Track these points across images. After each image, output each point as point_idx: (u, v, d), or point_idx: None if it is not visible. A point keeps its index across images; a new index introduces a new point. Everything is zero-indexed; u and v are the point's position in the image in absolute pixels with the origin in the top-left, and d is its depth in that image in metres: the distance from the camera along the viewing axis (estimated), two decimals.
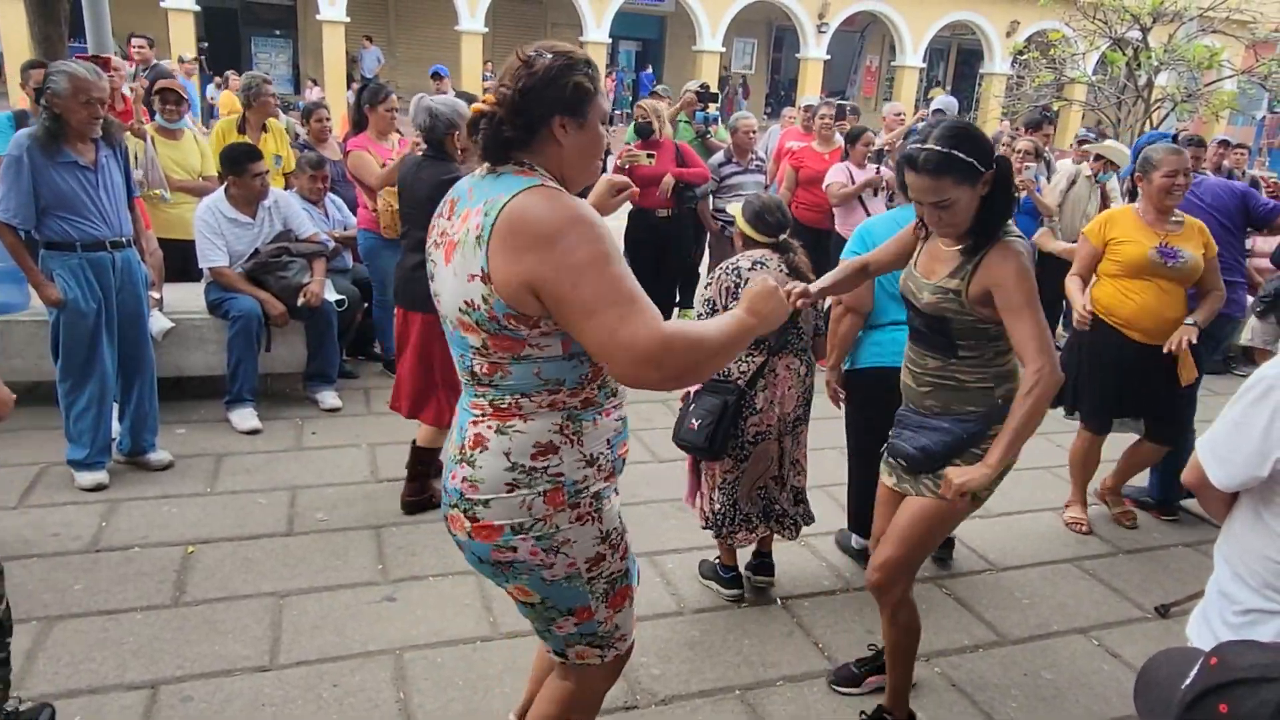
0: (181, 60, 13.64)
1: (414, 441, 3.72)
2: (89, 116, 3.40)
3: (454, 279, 1.63)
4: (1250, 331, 6.28)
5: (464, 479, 1.69)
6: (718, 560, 3.32)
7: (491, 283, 1.55)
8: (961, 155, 2.09)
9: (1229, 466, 1.60)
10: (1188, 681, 0.93)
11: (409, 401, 3.68)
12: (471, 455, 1.68)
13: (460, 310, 1.63)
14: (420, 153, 3.64)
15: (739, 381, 3.06)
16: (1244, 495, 1.63)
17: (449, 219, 1.69)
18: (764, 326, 1.71)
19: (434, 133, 3.52)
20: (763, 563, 3.32)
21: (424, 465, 3.73)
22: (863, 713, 2.62)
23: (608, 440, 1.73)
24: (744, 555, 3.35)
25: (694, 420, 3.03)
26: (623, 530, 1.82)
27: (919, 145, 2.15)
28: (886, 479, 2.53)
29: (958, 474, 2.20)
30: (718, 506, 3.14)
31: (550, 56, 1.61)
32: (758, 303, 1.70)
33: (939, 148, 2.10)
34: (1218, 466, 1.63)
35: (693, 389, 3.11)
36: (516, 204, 1.54)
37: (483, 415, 1.68)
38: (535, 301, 1.54)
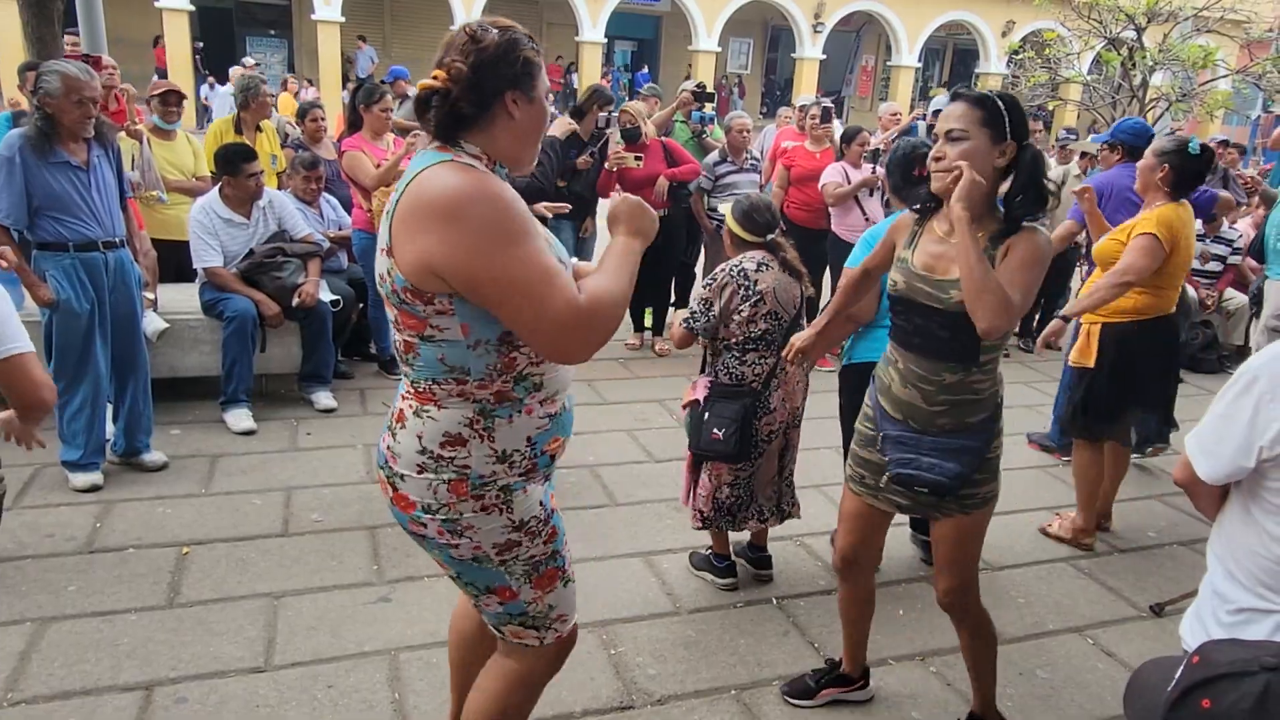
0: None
1: None
2: (81, 116, 3.39)
3: (379, 251, 1.67)
4: (1256, 339, 6.28)
5: (388, 447, 1.73)
6: (709, 550, 3.34)
7: (393, 256, 1.57)
8: (1001, 106, 2.08)
9: (1216, 459, 1.61)
10: (1173, 684, 0.94)
11: None
12: (395, 428, 1.72)
13: (378, 282, 1.67)
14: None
15: (754, 385, 3.09)
16: (1234, 492, 1.63)
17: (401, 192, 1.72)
18: (646, 242, 1.75)
19: None
20: (760, 557, 3.36)
21: None
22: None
23: (527, 438, 1.69)
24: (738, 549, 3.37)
25: (717, 430, 3.04)
26: (546, 516, 1.78)
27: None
28: (869, 498, 2.42)
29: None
30: (728, 499, 3.16)
31: (496, 32, 1.61)
32: (634, 222, 1.74)
33: (987, 91, 2.11)
34: (1205, 459, 1.63)
35: (701, 395, 3.12)
36: (420, 179, 1.54)
37: (407, 393, 1.72)
38: (438, 281, 1.53)
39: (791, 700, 2.69)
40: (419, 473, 1.68)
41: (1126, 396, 3.74)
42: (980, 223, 2.14)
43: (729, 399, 3.07)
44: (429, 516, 1.69)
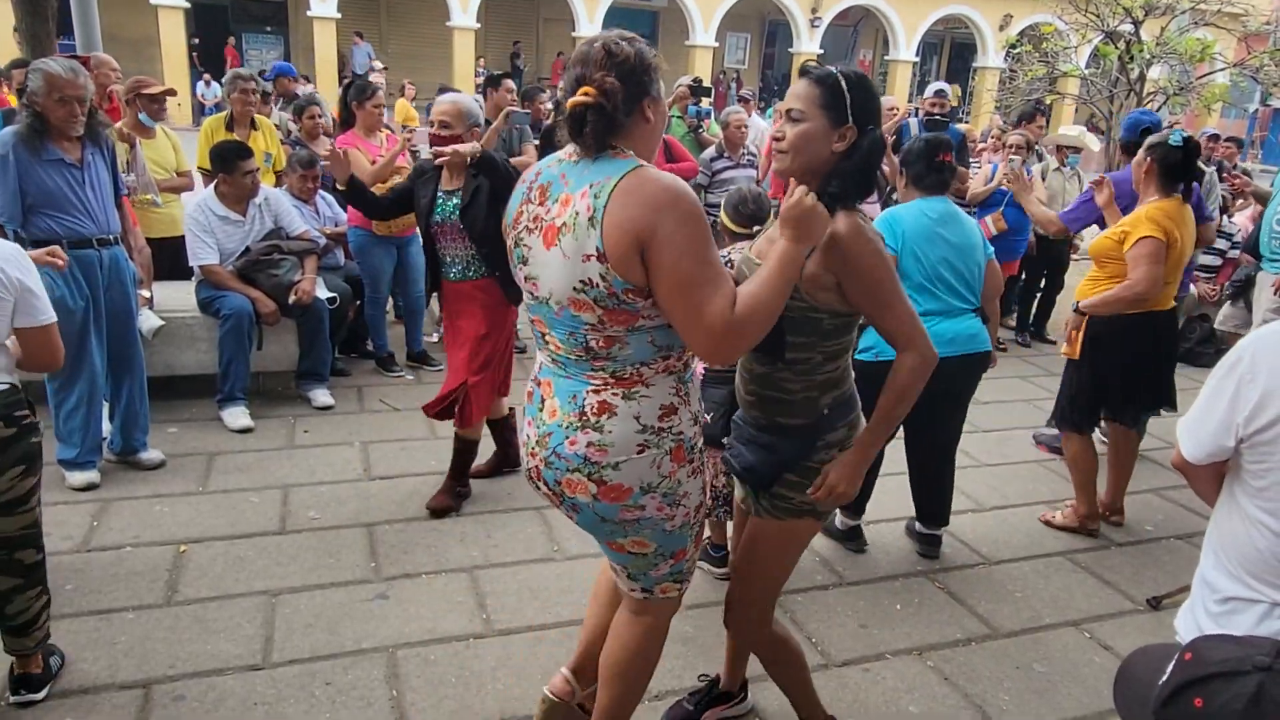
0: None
1: (457, 435, 3.74)
2: (67, 114, 3.37)
3: (563, 261, 1.73)
4: (1222, 316, 6.31)
5: (589, 444, 1.80)
6: (708, 539, 3.36)
7: (608, 261, 1.67)
8: (843, 86, 1.92)
9: (1198, 437, 1.62)
10: (1164, 678, 0.94)
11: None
12: (599, 422, 1.80)
13: (575, 290, 1.74)
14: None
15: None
16: (1227, 478, 1.64)
17: (542, 204, 1.81)
18: (812, 243, 1.81)
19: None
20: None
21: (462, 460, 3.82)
22: None
23: (699, 398, 1.95)
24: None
25: (704, 415, 3.02)
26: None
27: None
28: (738, 492, 2.35)
29: (834, 476, 2.03)
30: (724, 486, 3.19)
31: (626, 44, 1.75)
32: (801, 226, 1.76)
33: (833, 68, 1.96)
34: (1188, 439, 1.65)
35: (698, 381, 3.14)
36: (630, 180, 1.68)
37: (604, 385, 1.81)
38: (640, 266, 1.67)
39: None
40: (641, 452, 1.80)
41: (1116, 390, 3.76)
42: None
43: (718, 384, 3.09)
44: (649, 496, 1.83)
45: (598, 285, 1.71)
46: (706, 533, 3.37)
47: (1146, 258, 3.46)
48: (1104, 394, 3.78)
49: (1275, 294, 4.69)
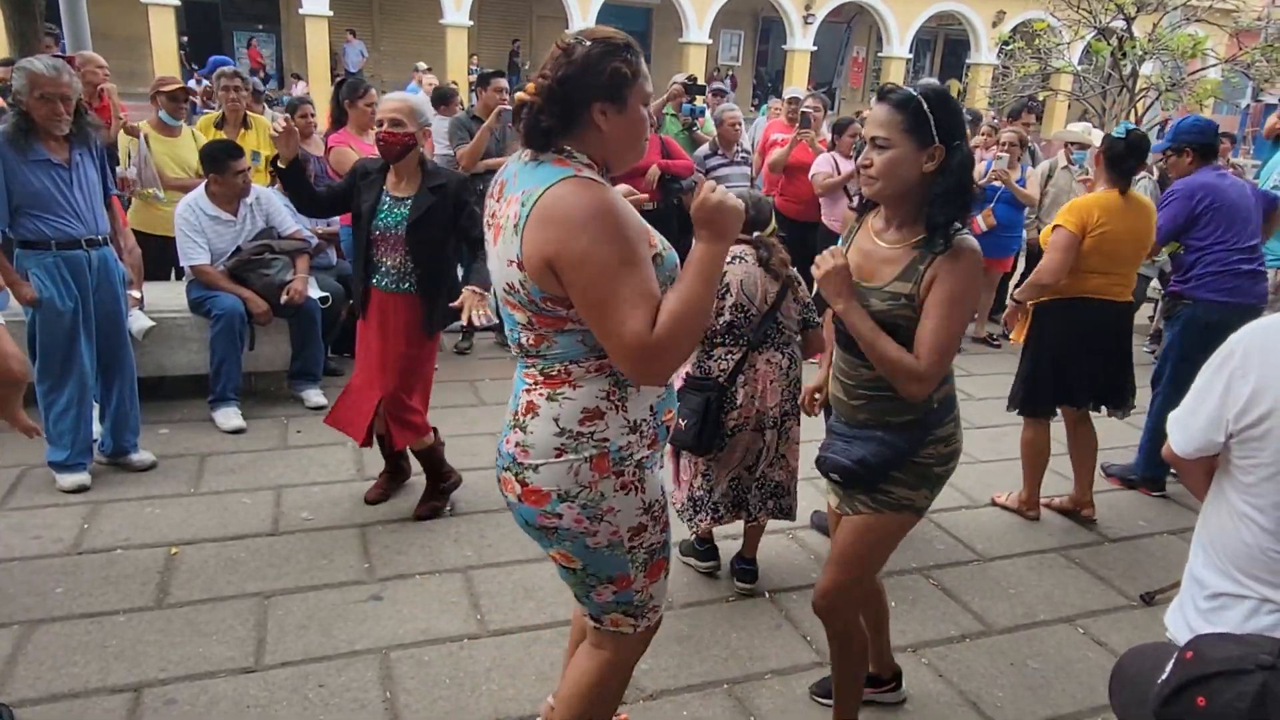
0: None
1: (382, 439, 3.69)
2: (50, 113, 3.34)
3: (498, 261, 1.71)
4: None
5: (516, 444, 1.76)
6: (693, 535, 3.36)
7: (525, 269, 1.63)
8: (926, 108, 1.96)
9: (1188, 432, 1.62)
10: (1163, 676, 0.93)
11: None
12: (524, 421, 1.75)
13: (505, 291, 1.72)
14: None
15: (719, 379, 3.06)
16: (1217, 473, 1.63)
17: (498, 200, 1.76)
18: (728, 240, 1.71)
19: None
20: (744, 569, 3.29)
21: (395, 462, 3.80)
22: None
23: (650, 406, 1.79)
24: (730, 549, 3.36)
25: (680, 420, 3.02)
26: (665, 502, 1.87)
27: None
28: (831, 500, 2.39)
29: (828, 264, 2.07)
30: (697, 493, 3.16)
31: (590, 44, 1.65)
32: (710, 225, 1.68)
33: (913, 90, 2.00)
34: (1178, 432, 1.64)
35: (676, 385, 3.10)
36: (550, 194, 1.60)
37: (535, 384, 1.75)
38: (556, 281, 1.61)
39: (820, 700, 2.67)
40: (558, 456, 1.72)
41: (1061, 376, 3.80)
42: (912, 226, 2.07)
43: (695, 391, 3.07)
44: (566, 505, 1.74)
45: (519, 290, 1.68)
46: (690, 533, 3.37)
47: (1054, 246, 3.65)
48: (1050, 379, 3.83)
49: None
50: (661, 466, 1.89)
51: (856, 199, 2.29)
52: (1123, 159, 3.61)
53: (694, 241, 1.70)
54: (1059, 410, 3.95)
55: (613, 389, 1.73)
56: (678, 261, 1.79)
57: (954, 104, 2.04)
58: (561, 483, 1.73)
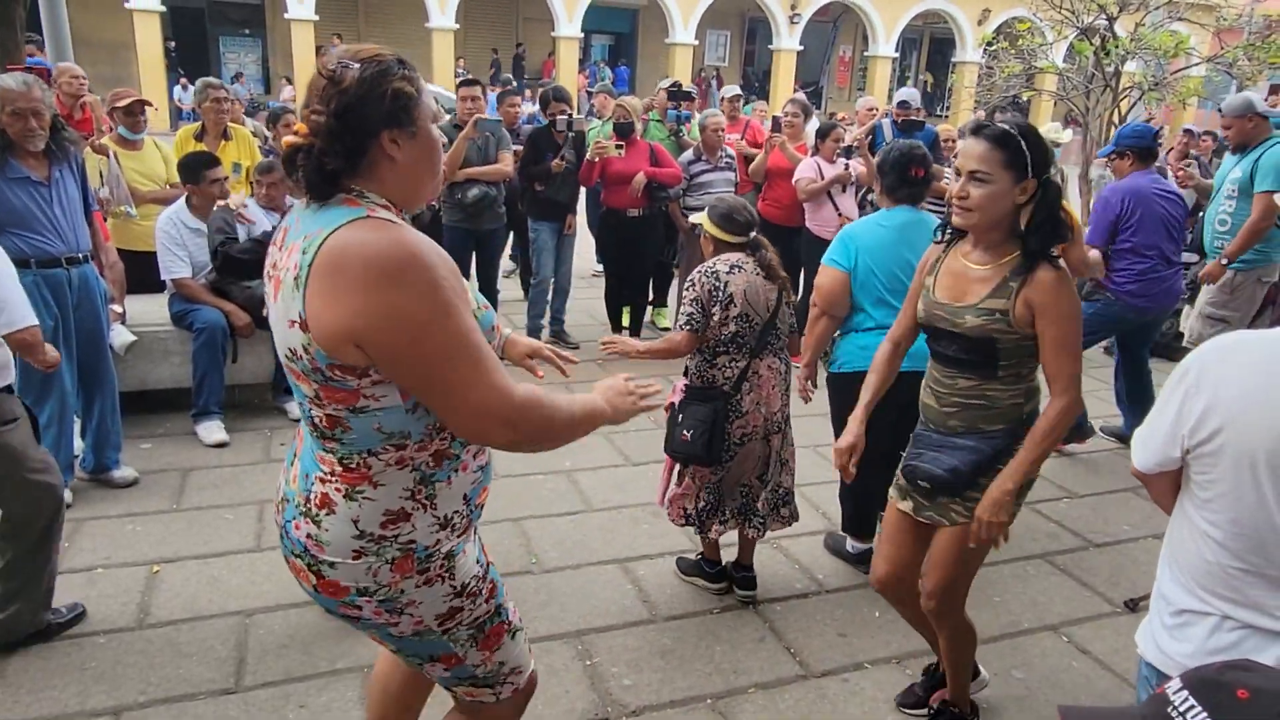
0: None
1: None
2: (23, 129, 3.32)
3: (279, 322, 1.46)
4: (1188, 323, 6.33)
5: (309, 535, 1.55)
6: (700, 556, 3.35)
7: (309, 331, 1.39)
8: (1023, 145, 2.12)
9: (1148, 447, 1.63)
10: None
11: None
12: (318, 515, 1.54)
13: (287, 357, 1.48)
14: None
15: (724, 388, 3.07)
16: (1181, 490, 1.64)
17: (280, 249, 1.50)
18: (615, 419, 1.71)
19: None
20: (745, 576, 3.30)
21: None
22: (931, 706, 2.68)
23: (464, 496, 1.61)
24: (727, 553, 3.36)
25: (686, 431, 3.02)
26: (484, 572, 1.70)
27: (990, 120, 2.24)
28: (901, 503, 2.47)
29: (985, 513, 2.21)
30: (702, 504, 3.15)
31: (358, 66, 1.42)
32: (613, 397, 1.71)
33: (1008, 128, 2.15)
34: (1139, 448, 1.66)
35: (677, 399, 3.10)
36: (337, 240, 1.36)
37: (330, 474, 1.53)
38: (358, 353, 1.39)
39: (906, 710, 2.72)
40: (356, 558, 1.53)
41: None
42: (1001, 249, 2.22)
43: (700, 401, 3.06)
44: (364, 599, 1.56)
45: (302, 357, 1.43)
46: (688, 548, 3.37)
47: None
48: None
49: (1204, 284, 4.85)
50: (476, 536, 1.75)
51: (940, 231, 2.40)
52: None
53: (595, 398, 1.69)
54: None
55: (419, 487, 1.53)
56: (495, 323, 1.70)
57: (1042, 139, 2.19)
58: (360, 580, 1.54)
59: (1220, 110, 5.06)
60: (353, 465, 1.51)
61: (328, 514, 1.53)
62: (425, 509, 1.55)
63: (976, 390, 2.27)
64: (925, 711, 2.70)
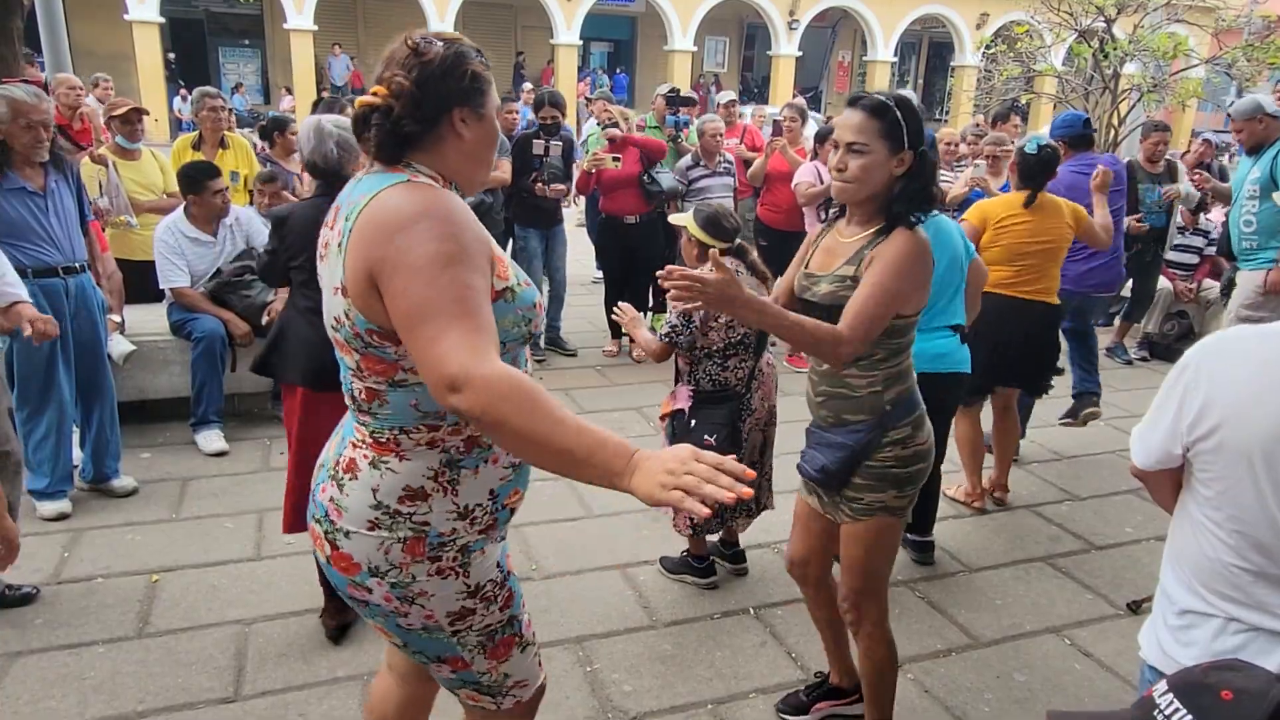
0: None
1: None
2: (33, 140, 3.33)
3: (327, 292, 1.53)
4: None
5: (331, 499, 1.58)
6: (686, 553, 3.37)
7: (349, 295, 1.44)
8: (899, 116, 2.08)
9: (1147, 445, 1.62)
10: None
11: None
12: (342, 478, 1.57)
13: (332, 327, 1.52)
14: (316, 193, 3.02)
15: (738, 388, 3.15)
16: (1183, 487, 1.63)
17: (331, 227, 1.56)
18: (640, 489, 1.24)
19: (342, 165, 2.89)
20: (735, 552, 3.42)
21: None
22: (811, 713, 2.64)
23: (490, 491, 1.59)
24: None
25: (708, 435, 3.06)
26: (503, 579, 1.68)
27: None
28: (807, 497, 2.46)
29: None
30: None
31: (442, 45, 1.49)
32: (657, 466, 1.24)
33: (884, 98, 2.11)
34: (1139, 446, 1.65)
35: (685, 405, 3.11)
36: (376, 202, 1.42)
37: (362, 441, 1.57)
38: (379, 301, 1.39)
39: (786, 716, 2.67)
40: (370, 529, 1.54)
41: (987, 367, 3.80)
42: (871, 220, 2.18)
43: (715, 404, 3.12)
44: (375, 580, 1.55)
45: (345, 324, 1.47)
46: (674, 548, 3.37)
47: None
48: (983, 371, 3.81)
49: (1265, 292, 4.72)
50: (503, 538, 1.72)
51: (824, 209, 2.36)
52: (1033, 170, 3.88)
53: (628, 475, 1.25)
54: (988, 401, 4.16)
55: (442, 469, 1.52)
56: (535, 301, 1.60)
57: (918, 110, 2.15)
58: (372, 557, 1.54)
59: (1229, 114, 5.05)
60: (384, 439, 1.54)
61: (351, 478, 1.56)
62: (445, 493, 1.54)
63: (835, 376, 2.23)
64: (807, 718, 2.65)
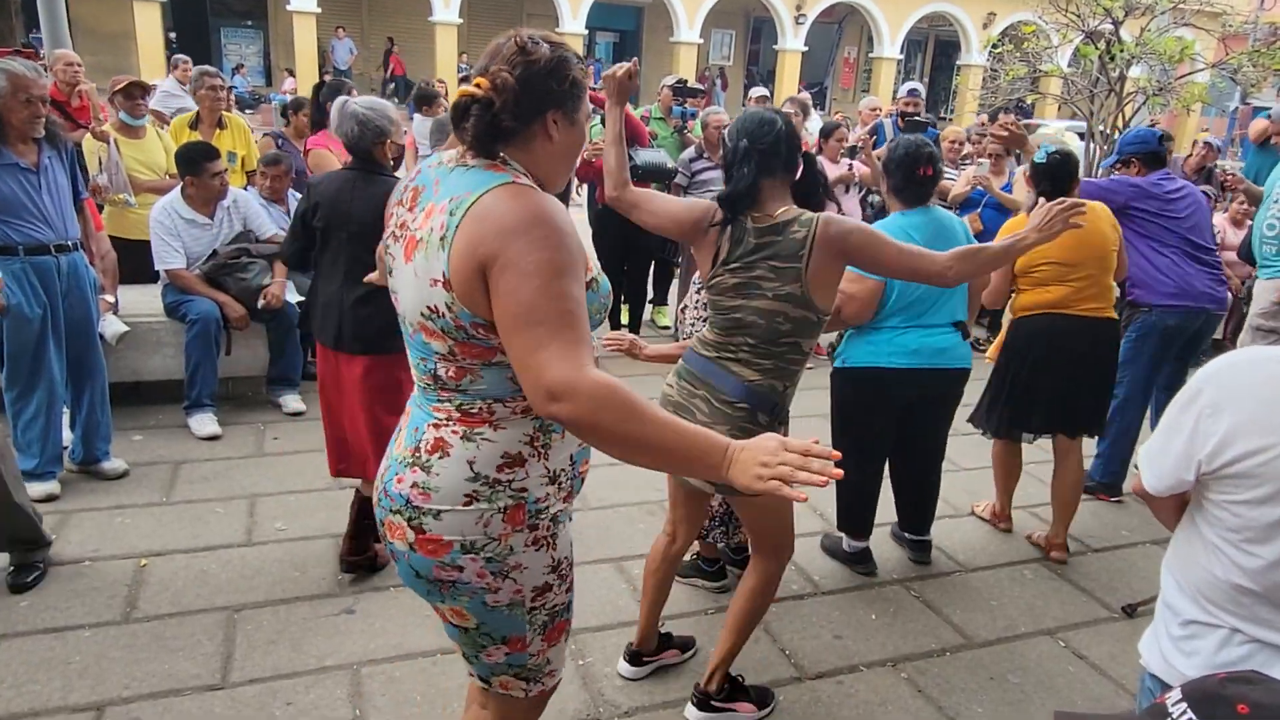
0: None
1: (358, 492, 3.25)
2: (30, 115, 3.28)
3: (415, 280, 1.51)
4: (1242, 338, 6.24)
5: (414, 484, 1.56)
6: (697, 555, 3.34)
7: (453, 289, 1.44)
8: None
9: (1158, 470, 1.59)
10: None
11: (369, 460, 3.07)
12: (429, 460, 1.55)
13: (423, 315, 1.52)
14: (344, 166, 3.21)
15: None
16: (1190, 505, 1.61)
17: (411, 210, 1.57)
18: (738, 480, 1.35)
19: (363, 142, 3.08)
20: (743, 558, 3.31)
21: (369, 520, 3.17)
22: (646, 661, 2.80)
23: (570, 456, 1.64)
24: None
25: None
26: (572, 561, 1.72)
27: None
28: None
29: None
30: (719, 511, 3.23)
31: (548, 47, 1.53)
32: (747, 457, 1.34)
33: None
34: (1149, 470, 1.62)
35: None
36: (485, 201, 1.43)
37: (446, 419, 1.56)
38: (485, 297, 1.43)
39: (627, 664, 2.81)
40: (467, 504, 1.54)
41: (1013, 398, 3.66)
42: None
43: None
44: (469, 556, 1.55)
45: (444, 315, 1.48)
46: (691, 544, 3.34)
47: None
48: (1002, 402, 3.70)
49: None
50: (571, 519, 1.75)
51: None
52: (1046, 177, 3.61)
53: (731, 465, 1.35)
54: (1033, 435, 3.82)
55: (537, 433, 1.56)
56: (609, 288, 1.70)
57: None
58: (468, 532, 1.54)
59: (1270, 116, 4.93)
60: (474, 410, 1.55)
61: (440, 457, 1.56)
62: (540, 457, 1.58)
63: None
64: (641, 668, 2.80)
